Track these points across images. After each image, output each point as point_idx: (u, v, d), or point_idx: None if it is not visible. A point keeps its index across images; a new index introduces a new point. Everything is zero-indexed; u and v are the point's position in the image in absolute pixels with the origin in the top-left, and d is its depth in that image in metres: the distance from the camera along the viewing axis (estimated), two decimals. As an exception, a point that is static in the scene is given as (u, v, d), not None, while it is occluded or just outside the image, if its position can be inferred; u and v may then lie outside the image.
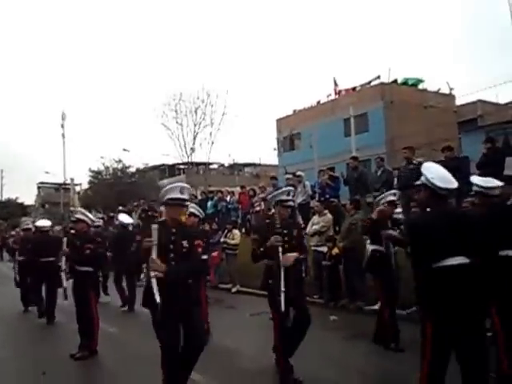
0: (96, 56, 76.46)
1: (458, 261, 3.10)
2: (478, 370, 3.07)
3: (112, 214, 15.91)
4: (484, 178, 4.55)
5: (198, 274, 4.68)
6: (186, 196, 4.08)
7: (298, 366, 4.76)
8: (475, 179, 4.53)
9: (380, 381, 4.64)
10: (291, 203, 5.03)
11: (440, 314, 3.09)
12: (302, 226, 8.23)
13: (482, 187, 4.32)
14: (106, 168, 32.97)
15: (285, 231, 4.73)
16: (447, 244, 3.13)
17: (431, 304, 3.15)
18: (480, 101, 25.57)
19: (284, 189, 5.30)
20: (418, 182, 3.46)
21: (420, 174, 10.70)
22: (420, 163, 9.68)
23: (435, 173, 3.35)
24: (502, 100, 24.09)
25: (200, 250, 4.82)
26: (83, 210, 6.97)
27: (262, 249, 4.71)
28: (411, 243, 3.41)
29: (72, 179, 35.94)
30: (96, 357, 5.92)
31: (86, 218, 6.35)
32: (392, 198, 6.10)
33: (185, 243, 4.03)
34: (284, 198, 4.89)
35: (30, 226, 10.33)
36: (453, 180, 3.35)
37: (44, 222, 9.20)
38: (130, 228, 10.50)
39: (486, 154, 8.91)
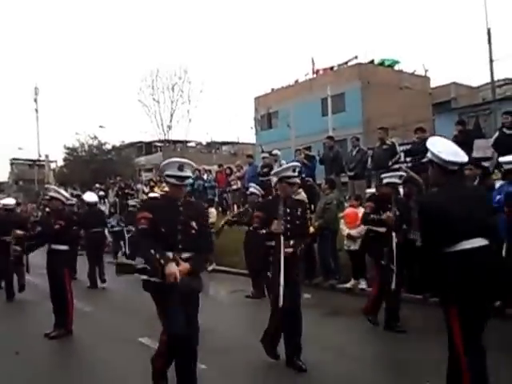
0: (71, 29, 74.19)
1: (477, 243, 2.91)
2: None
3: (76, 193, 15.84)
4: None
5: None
6: (186, 173, 3.57)
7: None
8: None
9: (356, 356, 4.74)
10: (297, 180, 4.64)
11: (465, 296, 2.88)
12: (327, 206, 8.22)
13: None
14: (82, 145, 32.42)
15: (288, 210, 4.44)
16: (464, 225, 2.91)
17: (454, 287, 2.92)
18: (454, 83, 26.01)
19: (289, 164, 4.88)
20: (425, 159, 3.28)
21: (393, 153, 10.92)
22: (393, 143, 9.90)
23: (442, 147, 3.10)
24: (475, 83, 24.49)
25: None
26: (57, 188, 6.92)
27: (264, 231, 4.41)
28: (423, 225, 3.14)
29: (47, 156, 35.29)
30: (71, 336, 5.86)
31: (59, 196, 6.23)
32: (394, 180, 5.87)
33: (194, 224, 3.57)
34: (289, 174, 4.50)
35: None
36: (462, 153, 3.10)
37: (9, 201, 9.17)
38: (98, 206, 10.69)
39: (457, 136, 9.11)
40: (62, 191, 6.88)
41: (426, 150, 9.73)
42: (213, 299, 8.10)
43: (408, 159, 10.06)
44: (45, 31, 73.52)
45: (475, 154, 9.10)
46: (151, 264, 3.44)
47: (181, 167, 3.52)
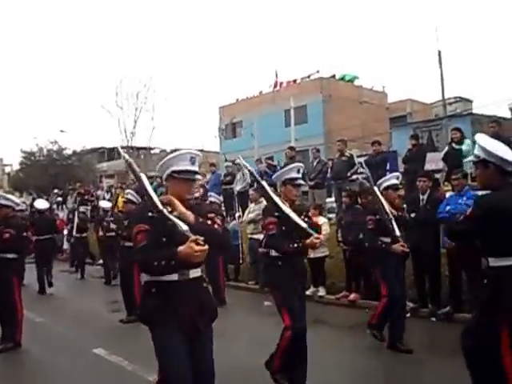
0: (33, 30, 72.36)
1: None
2: None
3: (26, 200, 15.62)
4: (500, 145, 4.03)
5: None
6: (197, 167, 2.92)
7: (231, 350, 4.78)
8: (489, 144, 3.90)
9: (316, 365, 4.65)
10: (302, 181, 4.20)
11: None
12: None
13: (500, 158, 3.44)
14: (40, 149, 31.53)
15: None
16: None
17: (501, 299, 2.59)
18: (410, 99, 27.27)
19: (293, 165, 4.35)
20: (472, 159, 3.03)
21: (351, 165, 11.30)
22: (351, 155, 10.27)
23: (496, 145, 2.79)
24: (429, 100, 25.76)
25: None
26: (5, 195, 6.58)
27: (296, 245, 3.80)
28: (481, 232, 2.74)
29: (1, 159, 34.12)
30: (20, 349, 5.56)
31: (9, 203, 5.94)
32: (394, 181, 5.45)
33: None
34: (294, 175, 4.05)
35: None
36: None
37: None
38: (48, 213, 10.85)
39: (411, 149, 9.58)
40: (12, 197, 6.67)
41: (382, 161, 10.10)
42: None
43: (365, 170, 10.47)
44: (5, 32, 71.36)
45: (428, 167, 9.58)
46: (163, 257, 2.60)
47: (193, 159, 2.86)
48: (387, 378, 4.54)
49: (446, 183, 8.13)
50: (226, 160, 16.75)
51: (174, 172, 2.83)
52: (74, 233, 12.24)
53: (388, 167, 10.13)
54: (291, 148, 12.03)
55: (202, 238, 2.50)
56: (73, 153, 31.86)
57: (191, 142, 56.50)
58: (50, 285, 9.68)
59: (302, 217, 3.93)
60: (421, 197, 6.44)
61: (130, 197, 7.12)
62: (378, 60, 64.02)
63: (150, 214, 2.69)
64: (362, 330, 5.42)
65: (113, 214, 10.47)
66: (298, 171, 4.11)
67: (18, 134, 68.98)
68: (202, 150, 41.12)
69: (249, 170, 4.35)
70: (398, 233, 4.88)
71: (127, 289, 6.77)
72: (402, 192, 8.02)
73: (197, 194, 13.06)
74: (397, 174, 6.02)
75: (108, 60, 59.58)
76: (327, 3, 65.14)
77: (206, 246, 2.51)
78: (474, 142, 8.97)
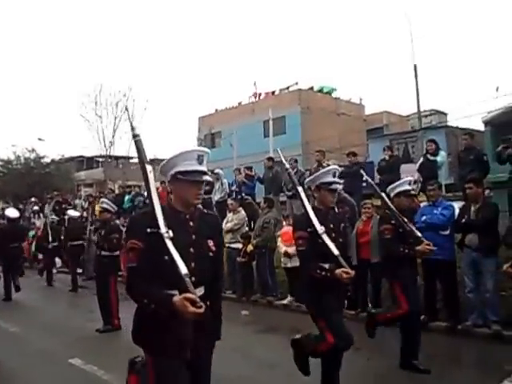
0: (10, 36, 71.19)
1: None
2: None
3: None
4: None
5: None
6: (205, 167, 2.55)
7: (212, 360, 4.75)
8: None
9: (290, 373, 4.57)
10: (338, 186, 3.84)
11: None
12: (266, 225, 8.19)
13: None
14: (18, 157, 31.03)
15: (331, 225, 3.59)
16: None
17: None
18: (386, 112, 27.80)
19: (329, 168, 3.93)
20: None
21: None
22: (328, 165, 10.40)
23: None
24: (405, 112, 26.31)
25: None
26: None
27: (325, 272, 3.44)
28: None
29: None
30: None
31: None
32: (407, 187, 5.06)
33: (211, 244, 2.58)
34: (330, 179, 3.66)
35: None
36: None
37: None
38: (20, 222, 11.44)
39: (387, 160, 9.77)
40: None
41: (357, 172, 10.20)
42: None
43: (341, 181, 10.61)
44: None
45: (403, 177, 9.80)
46: (155, 298, 2.30)
47: (201, 158, 2.49)
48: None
49: (420, 193, 8.29)
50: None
51: (178, 173, 2.47)
52: (50, 240, 12.16)
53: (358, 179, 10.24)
54: (270, 158, 12.12)
55: (198, 300, 2.17)
56: (51, 161, 31.42)
57: (170, 151, 56.19)
58: (17, 289, 9.75)
59: (341, 227, 3.67)
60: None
61: (105, 206, 7.17)
62: (355, 72, 65.22)
63: (148, 229, 2.35)
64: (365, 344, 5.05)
65: (93, 222, 10.71)
66: (335, 175, 3.71)
67: (-6, 140, 67.56)
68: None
69: (288, 173, 4.02)
70: (419, 233, 4.53)
71: (103, 298, 6.75)
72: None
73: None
74: (409, 178, 5.63)
75: (87, 69, 59.01)
76: (306, 16, 66.20)
77: (202, 309, 2.17)
78: (448, 154, 9.19)
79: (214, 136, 31.27)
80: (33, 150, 30.76)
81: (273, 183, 11.17)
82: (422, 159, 9.35)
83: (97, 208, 11.54)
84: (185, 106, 60.61)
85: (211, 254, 2.56)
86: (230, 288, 9.17)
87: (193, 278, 2.27)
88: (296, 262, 7.96)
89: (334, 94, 29.62)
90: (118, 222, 8.31)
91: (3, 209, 16.55)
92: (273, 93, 29.44)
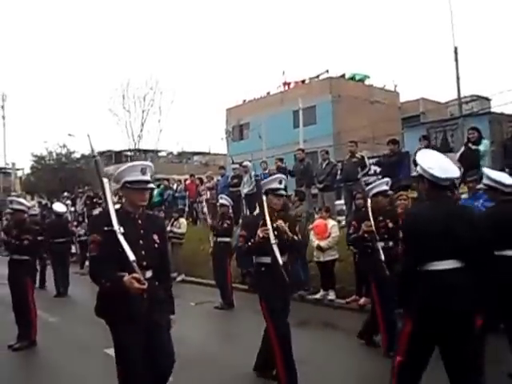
0: (41, 36, 72.96)
1: (449, 265, 2.83)
2: (463, 372, 2.83)
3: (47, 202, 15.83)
4: (498, 173, 4.35)
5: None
6: (148, 177, 3.20)
7: (245, 355, 4.77)
8: (492, 173, 4.24)
9: (323, 370, 4.73)
10: (283, 192, 4.42)
11: (423, 315, 2.84)
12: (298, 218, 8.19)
13: (497, 182, 4.05)
14: (50, 153, 31.87)
15: (275, 225, 4.15)
16: (440, 245, 2.84)
17: (416, 305, 2.89)
18: (422, 98, 26.80)
19: (275, 176, 4.64)
20: (415, 173, 3.24)
21: (362, 166, 11.05)
22: (362, 157, 10.05)
23: (433, 162, 2.99)
24: (443, 99, 25.30)
25: None
26: (18, 199, 6.84)
27: (249, 243, 4.18)
28: (405, 239, 3.07)
29: (13, 163, 34.58)
30: (36, 347, 5.79)
31: (22, 207, 6.23)
32: (384, 187, 5.41)
33: (156, 238, 3.22)
34: (275, 186, 4.29)
35: None
36: (453, 167, 3.05)
37: None
38: (65, 216, 11.07)
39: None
40: (24, 201, 6.87)
41: (398, 161, 9.74)
42: (182, 310, 8.05)
43: (378, 170, 10.26)
44: (14, 37, 71.99)
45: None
46: (110, 279, 2.93)
47: (143, 170, 3.14)
48: None
49: (461, 185, 7.86)
50: (233, 162, 16.58)
51: (127, 182, 3.12)
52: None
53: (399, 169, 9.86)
54: (301, 150, 11.92)
55: (142, 278, 2.82)
56: (81, 156, 32.05)
57: (198, 144, 56.70)
58: (66, 289, 9.70)
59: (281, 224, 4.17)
60: None
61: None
62: (389, 58, 63.41)
63: (105, 227, 2.97)
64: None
65: None
66: (280, 182, 4.34)
67: (29, 138, 69.96)
68: (208, 153, 41.40)
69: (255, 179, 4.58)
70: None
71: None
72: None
73: (204, 197, 13.00)
74: (386, 179, 5.78)
75: (115, 64, 59.86)
76: (336, 1, 64.84)
77: (145, 286, 2.83)
78: (492, 142, 8.67)
79: (243, 127, 31.13)
80: (64, 146, 31.56)
81: (304, 175, 10.89)
82: (462, 148, 8.89)
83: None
84: (213, 98, 60.89)
85: (156, 245, 3.20)
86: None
87: (144, 263, 3.02)
88: (329, 256, 7.79)
89: (366, 82, 28.96)
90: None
91: (46, 204, 16.88)
92: (302, 82, 28.97)
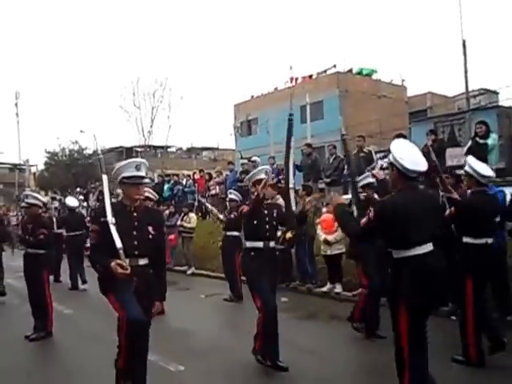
0: (53, 34, 73.47)
1: (427, 249, 3.07)
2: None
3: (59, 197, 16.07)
4: (480, 164, 4.57)
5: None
6: (143, 173, 3.53)
7: (247, 344, 4.83)
8: (473, 162, 4.50)
9: (332, 361, 4.83)
10: (271, 182, 4.88)
11: (414, 298, 3.02)
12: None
13: (475, 171, 4.39)
14: (63, 149, 32.34)
15: (265, 212, 4.64)
16: (417, 231, 3.03)
17: (405, 288, 3.06)
18: (430, 93, 26.68)
19: (261, 167, 5.14)
20: (386, 161, 3.43)
21: (369, 161, 11.08)
22: (370, 151, 10.12)
23: (405, 154, 3.14)
24: (451, 93, 25.17)
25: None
26: (33, 194, 6.93)
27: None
28: (374, 224, 3.15)
29: (27, 160, 35.00)
30: (51, 338, 5.91)
31: (37, 202, 6.31)
32: (370, 179, 5.80)
33: (151, 229, 3.53)
34: (262, 177, 4.68)
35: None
36: (423, 161, 3.17)
37: None
38: (78, 210, 11.11)
39: (432, 145, 9.32)
40: (40, 196, 6.98)
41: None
42: (192, 302, 8.23)
43: (385, 165, 10.28)
44: (26, 36, 72.53)
45: (449, 163, 9.31)
46: (102, 264, 3.36)
47: (138, 167, 3.48)
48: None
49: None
50: (242, 157, 16.73)
51: (123, 178, 3.46)
52: None
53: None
54: (308, 145, 11.99)
55: (126, 264, 3.20)
56: (93, 152, 32.38)
57: (207, 139, 56.82)
58: (84, 282, 9.67)
59: (274, 213, 4.69)
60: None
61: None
62: (397, 52, 62.76)
63: (102, 219, 3.37)
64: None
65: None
66: (266, 173, 4.78)
67: (42, 135, 70.56)
68: (217, 148, 41.52)
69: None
70: None
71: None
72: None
73: (213, 192, 13.17)
74: (369, 173, 6.15)
75: (125, 61, 60.12)
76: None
77: (128, 271, 3.20)
78: (499, 136, 8.66)
79: (251, 123, 31.19)
80: (76, 142, 31.91)
81: (311, 170, 10.99)
82: (470, 143, 8.83)
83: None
84: (221, 94, 60.83)
85: (150, 236, 3.50)
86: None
87: (136, 252, 3.40)
88: (336, 250, 7.90)
89: (374, 76, 28.77)
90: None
91: (60, 199, 17.15)
92: (310, 77, 28.87)
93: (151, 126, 30.05)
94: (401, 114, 23.69)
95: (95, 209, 6.44)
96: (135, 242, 3.40)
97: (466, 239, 4.34)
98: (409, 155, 3.12)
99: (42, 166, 35.54)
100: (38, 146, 75.12)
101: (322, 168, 10.90)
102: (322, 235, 8.18)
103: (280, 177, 11.57)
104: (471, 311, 4.28)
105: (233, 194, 8.74)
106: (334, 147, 11.27)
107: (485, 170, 4.45)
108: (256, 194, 4.55)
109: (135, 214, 3.49)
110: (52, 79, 71.28)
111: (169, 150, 39.14)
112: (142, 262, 3.45)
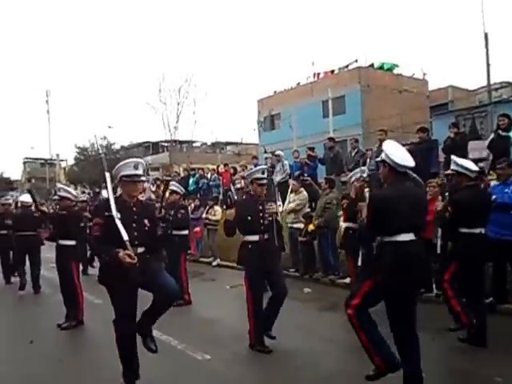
0: (81, 34, 74.93)
1: (409, 237, 3.37)
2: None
3: (98, 190, 16.53)
4: (465, 160, 5.00)
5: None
6: (140, 171, 3.88)
7: (274, 334, 4.99)
8: (459, 160, 4.89)
9: (352, 349, 4.72)
10: (265, 181, 5.09)
11: (395, 280, 3.33)
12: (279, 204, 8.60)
13: (465, 168, 4.74)
14: (92, 144, 33.02)
15: (260, 207, 4.92)
16: (402, 221, 3.34)
17: (387, 270, 3.37)
18: (451, 86, 26.40)
19: (259, 167, 5.45)
20: (379, 159, 3.70)
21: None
22: (390, 145, 10.18)
23: (395, 151, 3.50)
24: (472, 86, 24.87)
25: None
26: (65, 187, 7.10)
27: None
28: (372, 216, 3.49)
29: (57, 155, 35.96)
30: (82, 327, 6.11)
31: (68, 195, 6.44)
32: (359, 174, 6.33)
33: (146, 222, 3.89)
34: (259, 176, 4.98)
35: (10, 201, 10.53)
36: (410, 158, 3.50)
37: (26, 198, 9.03)
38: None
39: (453, 138, 9.34)
40: (71, 190, 7.16)
41: (427, 149, 9.84)
42: (217, 293, 8.45)
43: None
44: (57, 36, 74.21)
45: (471, 156, 9.26)
46: (109, 254, 3.69)
47: (136, 166, 3.84)
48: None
49: (491, 172, 7.93)
50: (266, 152, 16.92)
51: (123, 176, 3.82)
52: None
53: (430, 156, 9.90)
54: (330, 139, 12.06)
55: (133, 255, 3.52)
56: (121, 147, 33.06)
57: (231, 134, 57.12)
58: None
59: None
60: None
61: (174, 188, 7.53)
62: (418, 46, 62.14)
63: (106, 213, 3.70)
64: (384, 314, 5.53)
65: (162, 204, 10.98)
66: (263, 172, 5.05)
67: (72, 131, 72.66)
68: (241, 143, 41.80)
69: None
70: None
71: (173, 274, 7.08)
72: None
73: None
74: (364, 168, 6.75)
75: (152, 58, 60.86)
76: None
77: (135, 260, 3.52)
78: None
79: (274, 118, 31.34)
80: (104, 138, 32.58)
81: (334, 163, 11.13)
82: (492, 135, 8.81)
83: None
84: (245, 90, 60.97)
85: (146, 228, 3.86)
86: (293, 266, 9.34)
87: (136, 242, 3.70)
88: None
89: (395, 70, 28.60)
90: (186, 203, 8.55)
91: (89, 193, 17.57)
92: (332, 72, 28.87)
93: (177, 122, 30.58)
94: (422, 107, 23.53)
95: (98, 203, 7.07)
96: (135, 233, 3.75)
97: (462, 230, 4.75)
98: (399, 153, 3.49)
99: (72, 161, 36.44)
100: (68, 141, 77.01)
101: (344, 161, 11.02)
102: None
103: (305, 169, 11.82)
104: (448, 286, 4.78)
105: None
106: (356, 141, 11.36)
107: (472, 165, 4.80)
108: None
109: (134, 209, 3.86)
110: (81, 77, 72.89)
111: (194, 144, 39.66)
112: (140, 250, 3.78)
